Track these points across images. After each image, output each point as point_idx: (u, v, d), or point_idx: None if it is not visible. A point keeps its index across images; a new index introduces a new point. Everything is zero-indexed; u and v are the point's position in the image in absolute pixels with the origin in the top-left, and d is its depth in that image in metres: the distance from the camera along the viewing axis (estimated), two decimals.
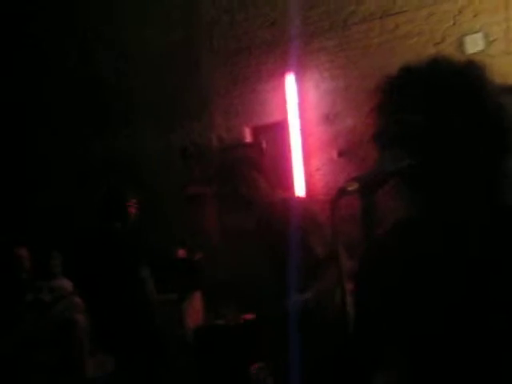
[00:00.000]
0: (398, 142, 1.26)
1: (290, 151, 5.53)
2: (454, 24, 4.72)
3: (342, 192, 1.22)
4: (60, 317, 5.54)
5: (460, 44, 4.66)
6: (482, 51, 4.57)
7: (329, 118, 5.38)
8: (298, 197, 4.57)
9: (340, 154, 5.24)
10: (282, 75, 5.51)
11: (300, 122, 5.47)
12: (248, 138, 5.94)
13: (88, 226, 4.28)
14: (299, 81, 5.48)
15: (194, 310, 5.48)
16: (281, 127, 5.60)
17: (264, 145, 5.74)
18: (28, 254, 6.03)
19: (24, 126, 7.02)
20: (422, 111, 1.24)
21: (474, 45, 4.64)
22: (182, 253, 5.62)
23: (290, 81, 5.48)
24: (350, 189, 1.22)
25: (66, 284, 5.97)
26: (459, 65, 1.27)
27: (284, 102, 5.54)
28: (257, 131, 5.89)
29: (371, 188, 1.25)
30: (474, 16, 4.67)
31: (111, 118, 6.56)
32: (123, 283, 3.86)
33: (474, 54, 4.56)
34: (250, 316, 5.16)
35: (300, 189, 5.44)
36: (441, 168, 1.23)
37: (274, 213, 3.43)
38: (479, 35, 4.62)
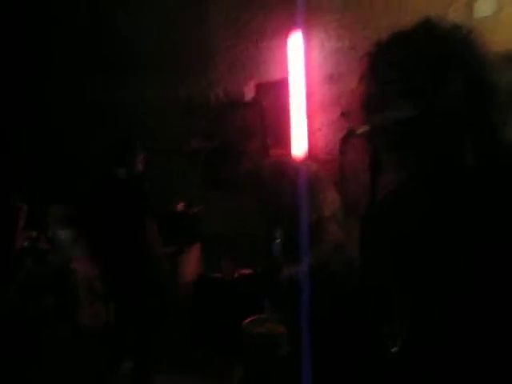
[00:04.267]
0: (403, 97, 1.26)
1: (291, 110, 5.50)
2: None
3: (350, 133, 1.22)
4: (57, 265, 5.61)
5: (469, 7, 4.61)
6: (492, 16, 4.52)
7: (333, 78, 5.34)
8: (294, 156, 4.57)
9: (343, 115, 5.22)
10: (287, 33, 5.45)
11: (303, 80, 5.43)
12: (250, 95, 5.91)
13: (93, 173, 4.26)
14: (304, 39, 5.42)
15: (192, 263, 5.53)
16: (284, 85, 5.56)
17: (266, 102, 5.72)
18: (26, 203, 6.07)
19: (28, 73, 6.96)
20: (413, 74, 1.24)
21: (483, 9, 4.59)
22: (181, 206, 5.66)
23: (295, 39, 5.42)
24: (359, 131, 1.23)
25: (66, 233, 6.02)
26: (448, 28, 1.27)
27: (288, 59, 5.49)
28: (260, 88, 5.85)
29: (381, 132, 1.25)
30: None
31: (117, 68, 6.51)
32: (126, 231, 3.86)
33: (484, 18, 4.51)
34: (246, 271, 5.22)
35: (300, 148, 5.43)
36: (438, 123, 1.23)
37: (264, 172, 3.44)
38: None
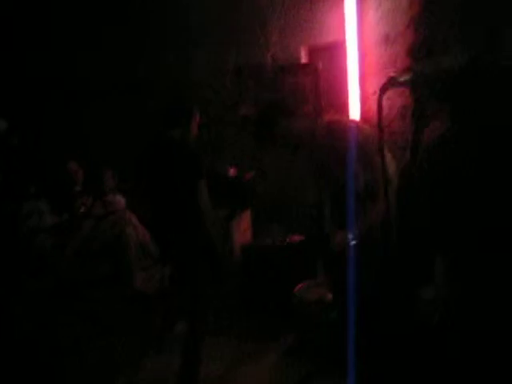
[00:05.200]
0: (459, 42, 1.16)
1: (346, 73, 5.36)
2: None
3: (391, 81, 1.14)
4: (110, 230, 5.70)
5: None
6: None
7: (389, 40, 5.16)
8: (349, 120, 4.44)
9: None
10: None
11: (358, 42, 5.27)
12: (304, 59, 5.79)
13: (149, 134, 4.24)
14: (359, 0, 5.25)
15: (243, 228, 5.52)
16: (338, 48, 5.41)
17: (320, 66, 5.59)
18: (80, 168, 6.19)
19: (84, 48, 7.03)
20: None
21: None
22: (233, 171, 5.63)
23: (350, 0, 5.25)
24: (401, 79, 1.14)
25: (119, 199, 6.10)
26: None
27: (342, 21, 5.33)
28: (313, 51, 5.72)
29: (423, 82, 1.16)
30: None
31: (166, 36, 6.50)
32: (179, 193, 3.84)
33: None
34: (297, 237, 5.18)
35: (355, 112, 5.30)
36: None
37: (318, 132, 3.35)
38: None
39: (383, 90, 1.11)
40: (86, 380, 4.19)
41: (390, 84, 1.11)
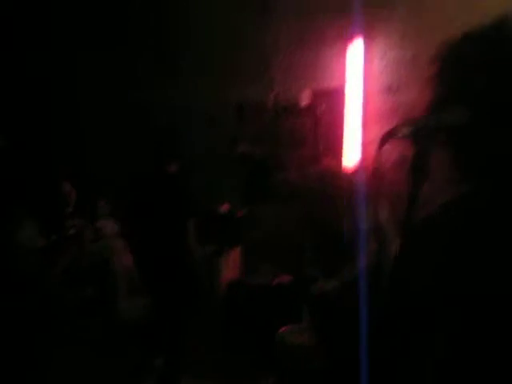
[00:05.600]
0: (462, 101, 1.16)
1: (346, 119, 5.40)
2: None
3: (390, 135, 1.12)
4: (98, 256, 5.64)
5: None
6: None
7: (391, 89, 5.21)
8: (344, 167, 4.46)
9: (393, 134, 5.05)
10: (348, 41, 5.34)
11: (361, 90, 5.32)
12: (305, 101, 5.82)
13: (140, 168, 4.25)
14: (365, 48, 5.31)
15: (231, 264, 5.47)
16: (340, 94, 5.46)
17: (321, 109, 5.62)
18: (73, 189, 6.15)
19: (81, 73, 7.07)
20: (483, 78, 1.14)
21: None
22: (225, 207, 5.62)
23: (355, 47, 5.31)
24: (400, 134, 1.13)
25: (111, 225, 6.05)
26: None
27: (346, 67, 5.38)
28: (315, 95, 5.76)
29: (426, 135, 1.15)
30: None
31: (165, 67, 6.54)
32: (169, 227, 3.85)
33: None
34: (286, 278, 5.13)
35: (352, 160, 5.32)
36: (499, 130, 1.13)
37: (312, 180, 3.37)
38: None
39: (383, 141, 1.09)
40: None
41: (389, 136, 1.09)
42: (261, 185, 5.60)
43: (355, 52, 5.32)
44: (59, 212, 6.04)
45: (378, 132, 5.24)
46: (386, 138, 1.12)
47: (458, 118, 1.13)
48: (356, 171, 4.23)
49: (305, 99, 5.83)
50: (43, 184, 6.14)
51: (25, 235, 5.62)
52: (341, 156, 5.30)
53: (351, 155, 5.28)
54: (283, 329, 4.38)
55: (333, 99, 5.61)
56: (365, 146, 5.30)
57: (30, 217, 5.79)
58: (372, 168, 5.14)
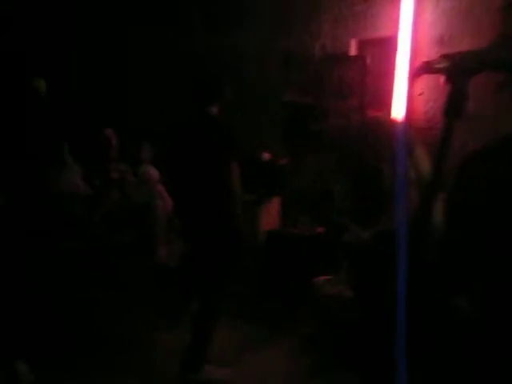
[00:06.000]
0: None
1: (394, 70, 5.24)
2: None
3: (425, 66, 1.06)
4: (140, 200, 5.72)
5: None
6: None
7: (443, 40, 5.02)
8: (390, 118, 4.35)
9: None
10: None
11: (412, 40, 5.14)
12: (353, 51, 5.67)
13: (182, 111, 4.22)
14: None
15: (270, 214, 5.47)
16: (389, 43, 5.29)
17: (369, 60, 5.48)
18: (115, 134, 6.21)
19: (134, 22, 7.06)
20: None
21: None
22: (267, 155, 5.58)
23: None
24: (437, 66, 1.07)
25: (152, 171, 6.11)
26: None
27: (397, 17, 5.20)
28: (363, 44, 5.61)
29: (464, 71, 1.08)
30: None
31: (218, 16, 6.47)
32: (211, 170, 3.80)
33: None
34: (322, 229, 5.12)
35: (398, 111, 5.19)
36: None
37: (354, 128, 3.30)
38: None
39: (415, 75, 1.03)
40: (101, 343, 4.23)
41: (422, 70, 1.03)
42: (304, 133, 5.53)
43: (407, 2, 5.13)
44: (102, 157, 6.12)
45: (427, 83, 5.09)
46: (419, 73, 1.06)
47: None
48: (402, 122, 4.12)
49: (352, 49, 5.68)
50: (86, 131, 6.21)
51: (69, 180, 5.73)
52: (387, 107, 5.17)
53: (398, 107, 5.15)
54: (319, 278, 4.39)
55: (382, 49, 5.45)
56: (412, 97, 5.14)
57: (74, 163, 5.89)
58: (419, 120, 5.02)
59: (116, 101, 7.06)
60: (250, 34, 6.24)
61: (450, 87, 1.08)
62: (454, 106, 1.08)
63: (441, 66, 1.06)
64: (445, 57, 1.06)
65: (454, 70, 1.06)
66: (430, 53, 5.11)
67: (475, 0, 4.73)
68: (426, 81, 5.01)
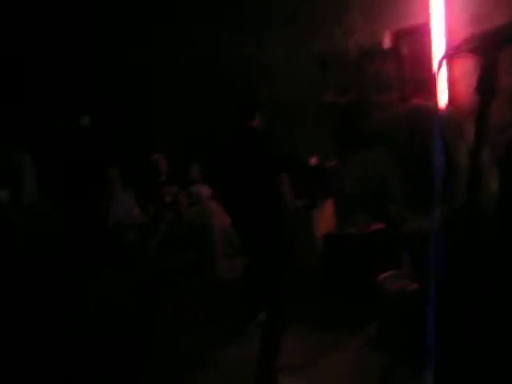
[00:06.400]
0: None
1: (432, 57, 5.16)
2: None
3: (457, 48, 1.05)
4: (195, 220, 5.77)
5: None
6: None
7: (477, 19, 4.91)
8: (435, 105, 4.28)
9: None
10: None
11: (445, 24, 5.06)
12: (388, 44, 5.61)
13: (225, 129, 4.26)
14: None
15: (325, 218, 5.45)
16: (423, 31, 5.22)
17: (405, 50, 5.41)
18: (164, 158, 6.30)
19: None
20: None
21: None
22: (314, 160, 5.57)
23: None
24: (467, 46, 1.06)
25: (204, 190, 6.18)
26: None
27: (427, 3, 5.13)
28: (397, 35, 5.53)
29: (493, 46, 1.06)
30: None
31: (247, 22, 6.49)
32: (263, 186, 3.82)
33: None
34: (381, 226, 5.06)
35: (442, 97, 5.10)
36: None
37: (402, 122, 3.27)
38: None
39: (449, 58, 1.02)
40: (175, 365, 4.28)
41: (455, 52, 1.02)
42: (349, 133, 5.50)
43: None
44: (153, 182, 6.22)
45: (467, 66, 4.99)
46: (451, 54, 1.04)
47: None
48: (446, 109, 4.06)
49: (387, 42, 5.62)
50: (134, 158, 6.32)
51: (121, 209, 5.83)
52: (429, 95, 5.09)
53: (440, 93, 5.06)
54: (382, 276, 4.34)
55: (416, 38, 5.38)
56: (454, 82, 5.05)
57: (126, 191, 5.98)
58: (465, 103, 4.92)
59: (156, 122, 7.17)
60: (280, 40, 6.25)
61: (481, 64, 1.06)
62: (486, 82, 1.07)
63: (470, 45, 1.04)
64: (473, 35, 1.05)
65: (483, 47, 1.05)
66: (465, 33, 5.01)
67: None
68: (467, 65, 4.93)
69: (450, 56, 1.06)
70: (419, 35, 5.30)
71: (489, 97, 1.09)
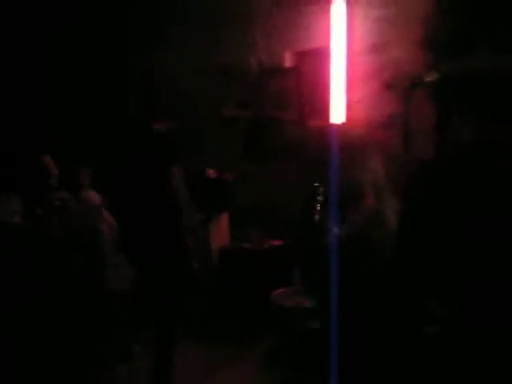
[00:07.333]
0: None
1: (331, 80, 5.32)
2: None
3: (417, 82, 1.07)
4: (84, 225, 5.57)
5: None
6: None
7: (376, 49, 5.14)
8: (338, 124, 4.42)
9: (389, 87, 4.98)
10: (330, 0, 5.24)
11: (345, 50, 5.24)
12: (288, 63, 5.73)
13: (122, 128, 4.13)
14: (348, 6, 5.21)
15: (220, 231, 5.44)
16: (324, 54, 5.37)
17: (304, 70, 5.56)
18: (53, 162, 6.03)
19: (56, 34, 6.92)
20: None
21: None
22: (212, 173, 5.55)
23: (338, 5, 5.21)
24: (427, 79, 1.08)
25: (94, 195, 5.99)
26: None
27: (329, 27, 5.29)
28: (298, 56, 5.68)
29: (454, 82, 1.10)
30: None
31: (149, 29, 6.39)
32: (157, 191, 3.74)
33: None
34: (276, 242, 5.13)
35: (338, 120, 5.26)
36: None
37: (306, 140, 3.34)
38: None
39: (411, 87, 1.04)
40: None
41: (417, 83, 1.04)
42: (255, 147, 5.55)
43: (338, 11, 5.22)
44: (41, 186, 5.92)
45: (363, 91, 5.20)
46: (415, 85, 1.07)
47: (482, 62, 1.09)
48: (342, 130, 4.19)
49: (288, 61, 5.74)
50: (22, 159, 6.00)
51: (6, 211, 5.52)
52: (327, 116, 5.24)
53: (337, 115, 5.22)
54: (277, 292, 4.39)
55: (317, 60, 5.53)
56: (350, 105, 5.24)
57: (12, 193, 5.67)
58: (359, 127, 5.11)
59: (47, 124, 6.87)
60: (184, 49, 6.18)
61: (439, 98, 1.09)
62: (443, 114, 1.10)
63: (431, 78, 1.07)
64: (431, 71, 1.08)
65: (441, 84, 1.08)
66: (363, 61, 5.22)
67: (404, 8, 4.87)
68: (365, 89, 5.13)
69: (415, 87, 1.08)
70: (320, 57, 5.45)
71: (445, 126, 1.13)
